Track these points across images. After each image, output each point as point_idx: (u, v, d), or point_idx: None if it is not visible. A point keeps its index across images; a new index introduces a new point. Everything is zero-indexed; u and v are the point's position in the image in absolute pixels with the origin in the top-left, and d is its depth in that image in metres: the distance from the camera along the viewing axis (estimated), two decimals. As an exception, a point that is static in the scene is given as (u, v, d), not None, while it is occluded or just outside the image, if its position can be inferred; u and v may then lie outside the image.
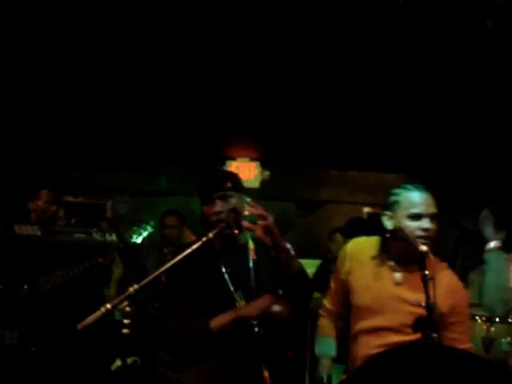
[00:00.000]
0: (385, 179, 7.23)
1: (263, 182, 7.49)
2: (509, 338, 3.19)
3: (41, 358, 3.55)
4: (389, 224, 2.66)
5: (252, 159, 7.46)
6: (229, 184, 2.67)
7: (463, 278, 2.95)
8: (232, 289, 2.57)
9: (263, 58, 5.09)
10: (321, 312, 3.01)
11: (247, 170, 7.37)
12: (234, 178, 2.77)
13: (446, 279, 2.60)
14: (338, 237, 5.40)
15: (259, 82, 5.48)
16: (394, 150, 6.64)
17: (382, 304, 2.65)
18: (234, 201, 2.63)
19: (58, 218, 4.06)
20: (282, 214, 7.62)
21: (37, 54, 5.00)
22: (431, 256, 2.36)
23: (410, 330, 2.45)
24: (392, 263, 2.68)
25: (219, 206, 2.60)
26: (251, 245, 2.67)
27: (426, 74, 4.95)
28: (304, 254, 5.71)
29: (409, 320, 2.45)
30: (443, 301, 2.50)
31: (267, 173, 7.53)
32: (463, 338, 2.57)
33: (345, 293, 2.83)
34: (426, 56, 4.62)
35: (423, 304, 2.20)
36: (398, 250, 2.66)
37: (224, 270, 2.62)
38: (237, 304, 2.54)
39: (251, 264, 2.63)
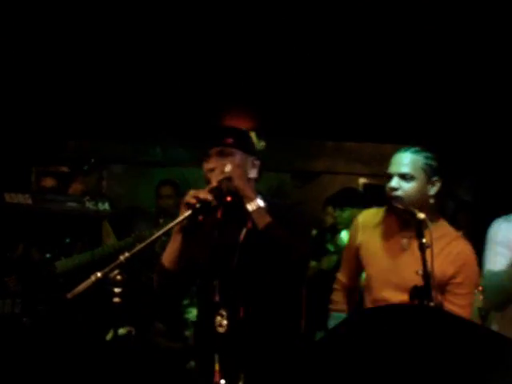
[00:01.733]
0: (381, 150, 7.16)
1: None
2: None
3: (35, 329, 3.55)
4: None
5: (247, 129, 7.36)
6: (230, 140, 2.35)
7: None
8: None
9: (258, 27, 4.99)
10: (335, 286, 2.95)
11: (242, 141, 7.26)
12: (239, 133, 2.43)
13: (457, 248, 2.55)
14: (330, 209, 5.35)
15: (254, 51, 5.39)
16: (391, 120, 6.57)
17: (390, 274, 2.59)
18: (235, 160, 2.28)
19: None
20: (277, 185, 7.59)
21: (33, 27, 4.90)
22: (429, 223, 2.31)
23: None
24: (398, 230, 2.64)
25: (214, 162, 2.26)
26: None
27: (423, 40, 4.86)
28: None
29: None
30: (447, 269, 2.46)
31: (263, 143, 7.42)
32: (462, 313, 2.44)
33: (358, 265, 2.76)
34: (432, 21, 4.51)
35: (420, 273, 2.17)
36: (397, 216, 2.63)
37: (211, 245, 2.30)
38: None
39: (242, 236, 2.26)
